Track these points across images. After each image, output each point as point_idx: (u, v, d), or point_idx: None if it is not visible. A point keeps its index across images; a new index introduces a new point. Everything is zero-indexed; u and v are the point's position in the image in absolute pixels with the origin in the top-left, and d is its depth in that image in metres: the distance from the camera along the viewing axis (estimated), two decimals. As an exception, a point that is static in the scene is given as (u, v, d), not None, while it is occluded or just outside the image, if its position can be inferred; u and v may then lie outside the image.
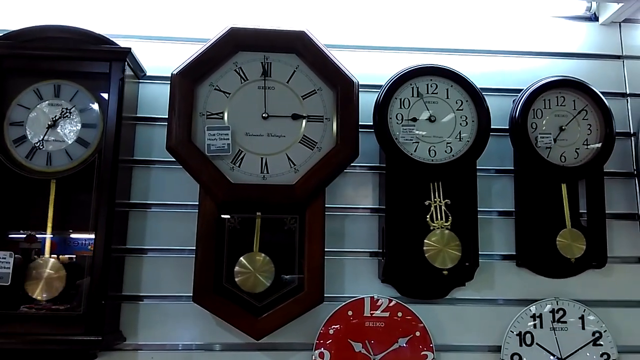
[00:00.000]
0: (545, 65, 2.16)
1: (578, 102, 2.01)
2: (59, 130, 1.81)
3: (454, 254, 1.87)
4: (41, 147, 1.79)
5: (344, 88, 1.85)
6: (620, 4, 2.09)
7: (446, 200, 1.91)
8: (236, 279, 1.78)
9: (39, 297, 1.73)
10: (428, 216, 1.91)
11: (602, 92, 2.03)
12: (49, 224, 1.76)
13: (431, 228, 1.90)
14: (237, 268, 1.79)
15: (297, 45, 1.86)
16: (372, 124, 1.94)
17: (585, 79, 2.05)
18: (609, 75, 2.18)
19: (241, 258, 1.79)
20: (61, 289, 1.73)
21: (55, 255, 1.78)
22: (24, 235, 1.79)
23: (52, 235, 1.78)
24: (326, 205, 1.84)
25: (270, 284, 1.79)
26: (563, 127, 1.99)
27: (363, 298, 1.90)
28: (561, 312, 1.93)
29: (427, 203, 1.91)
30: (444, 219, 1.90)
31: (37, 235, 1.80)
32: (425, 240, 1.88)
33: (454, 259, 1.87)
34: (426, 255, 1.87)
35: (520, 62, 2.16)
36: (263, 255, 1.81)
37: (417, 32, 2.15)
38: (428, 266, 1.87)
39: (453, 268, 1.87)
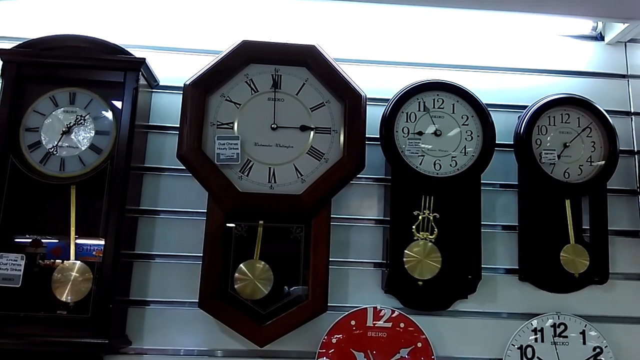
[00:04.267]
0: (550, 82, 2.19)
1: (582, 120, 2.04)
2: (73, 137, 1.85)
3: (433, 265, 1.90)
4: (55, 152, 1.83)
5: (351, 101, 1.88)
6: (626, 24, 2.12)
7: (435, 214, 1.93)
8: (235, 286, 1.81)
9: (65, 300, 1.75)
10: (413, 227, 1.93)
11: (606, 111, 2.05)
12: (72, 229, 1.80)
13: (415, 238, 1.92)
14: (236, 275, 1.81)
15: (307, 58, 1.90)
16: (378, 136, 1.97)
17: (590, 97, 2.07)
18: (613, 94, 2.20)
19: (241, 265, 1.82)
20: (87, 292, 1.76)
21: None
22: (30, 240, 1.82)
23: (76, 240, 1.81)
24: (332, 216, 1.87)
25: (268, 292, 1.81)
26: (567, 144, 2.01)
27: (366, 308, 1.92)
28: (562, 327, 1.95)
29: (415, 213, 1.93)
30: (429, 231, 1.93)
31: (52, 240, 1.83)
32: (406, 251, 1.91)
33: (433, 270, 1.89)
34: (405, 266, 1.89)
35: (526, 79, 2.19)
36: (263, 263, 1.83)
37: (424, 48, 2.18)
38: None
39: (432, 279, 1.90)
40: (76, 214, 1.85)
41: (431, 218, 1.93)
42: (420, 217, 1.93)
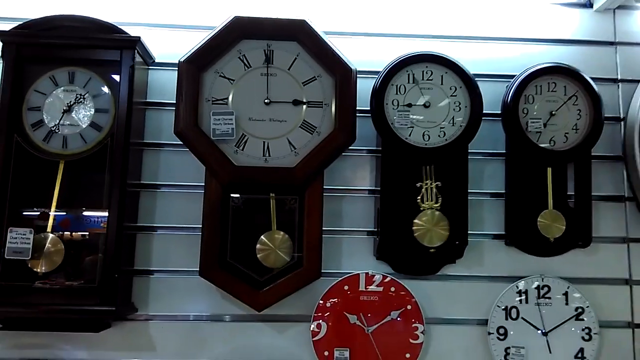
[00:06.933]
0: (539, 51, 2.21)
1: (569, 88, 2.08)
2: (73, 115, 1.92)
3: (442, 233, 1.98)
4: (57, 130, 1.90)
5: (342, 75, 1.93)
6: (615, -9, 2.14)
7: (437, 183, 2.00)
8: (258, 256, 1.90)
9: (39, 271, 1.84)
10: (419, 197, 2.00)
11: (594, 78, 2.09)
12: (54, 203, 1.88)
13: (421, 209, 2.00)
14: (258, 246, 1.90)
15: (298, 33, 1.94)
16: (369, 109, 2.02)
17: (578, 65, 2.11)
18: (601, 61, 2.23)
19: (262, 236, 1.91)
20: (59, 263, 1.85)
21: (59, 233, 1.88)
22: (38, 213, 1.90)
23: (60, 213, 1.90)
24: (325, 187, 1.95)
25: (290, 260, 1.91)
26: (553, 112, 2.06)
27: (359, 274, 2.01)
28: (546, 289, 2.04)
29: (418, 185, 2.01)
30: (434, 200, 2.01)
31: (61, 213, 1.90)
32: (415, 220, 1.99)
33: (442, 237, 1.97)
34: (415, 234, 1.98)
35: (515, 48, 2.22)
36: (282, 233, 1.92)
37: (413, 19, 2.21)
38: (419, 244, 1.98)
39: (441, 246, 1.98)
40: (81, 189, 1.94)
41: (433, 187, 2.00)
42: (423, 188, 2.00)
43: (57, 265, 1.85)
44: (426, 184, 2.01)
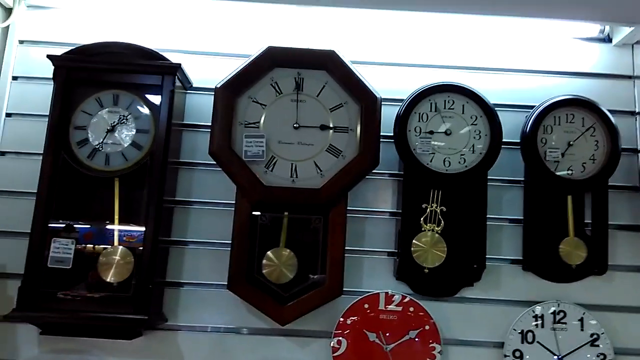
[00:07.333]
0: (558, 83, 2.29)
1: (587, 120, 2.15)
2: (116, 135, 2.05)
3: (438, 255, 2.06)
4: (101, 149, 2.03)
5: (368, 103, 2.03)
6: (632, 27, 2.21)
7: (442, 207, 2.08)
8: (263, 271, 1.99)
9: (110, 280, 1.96)
10: (422, 218, 2.09)
11: (612, 110, 2.15)
12: (116, 217, 2.01)
13: (422, 229, 2.08)
14: (264, 261, 2.00)
15: (327, 63, 2.05)
16: (393, 134, 2.12)
17: (596, 97, 2.17)
18: (619, 94, 2.29)
19: (268, 252, 2.00)
20: (128, 275, 1.96)
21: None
22: (63, 225, 2.00)
23: (85, 226, 2.03)
24: (349, 208, 2.03)
25: (293, 277, 1.99)
26: (571, 143, 2.13)
27: (379, 293, 2.08)
28: (562, 314, 2.08)
29: (423, 206, 2.09)
30: (435, 222, 2.08)
31: (85, 226, 2.03)
32: (414, 241, 2.07)
33: (439, 259, 2.05)
34: (413, 255, 2.06)
35: (534, 80, 2.30)
36: (288, 250, 2.01)
37: (437, 50, 2.30)
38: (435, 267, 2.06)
39: (436, 268, 2.06)
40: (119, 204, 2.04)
41: (438, 211, 2.09)
42: (428, 210, 2.09)
43: (127, 277, 1.95)
44: (432, 206, 2.09)
